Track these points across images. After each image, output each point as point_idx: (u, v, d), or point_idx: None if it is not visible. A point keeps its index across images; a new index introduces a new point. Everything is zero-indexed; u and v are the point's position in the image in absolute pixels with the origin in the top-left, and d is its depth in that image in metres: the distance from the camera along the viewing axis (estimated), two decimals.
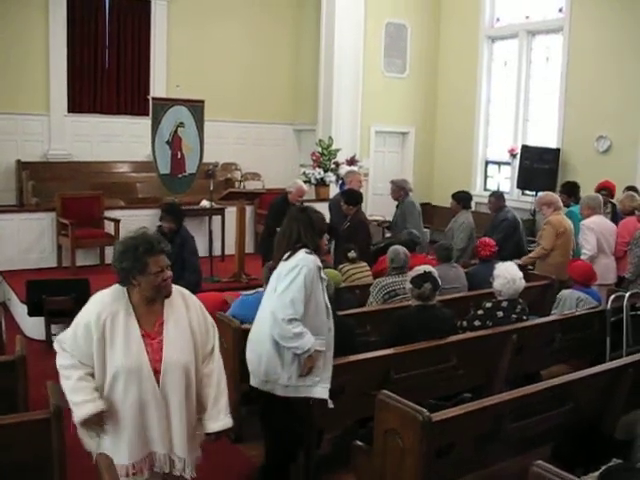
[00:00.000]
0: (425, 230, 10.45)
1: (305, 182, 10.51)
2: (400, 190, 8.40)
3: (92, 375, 3.11)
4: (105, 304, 3.15)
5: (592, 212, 7.24)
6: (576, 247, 7.56)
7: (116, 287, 3.20)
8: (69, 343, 3.19)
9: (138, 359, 3.08)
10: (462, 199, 8.46)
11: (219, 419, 3.26)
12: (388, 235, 10.12)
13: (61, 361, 3.19)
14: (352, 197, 7.85)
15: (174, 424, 3.15)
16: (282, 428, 4.09)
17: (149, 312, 3.18)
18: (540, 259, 7.41)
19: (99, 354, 3.09)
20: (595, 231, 7.05)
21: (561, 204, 7.65)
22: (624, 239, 7.25)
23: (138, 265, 3.06)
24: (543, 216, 7.67)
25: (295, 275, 3.83)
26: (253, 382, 4.05)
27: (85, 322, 3.13)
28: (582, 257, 6.94)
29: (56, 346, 3.27)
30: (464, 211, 8.41)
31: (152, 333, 3.16)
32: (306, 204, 8.25)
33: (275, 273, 4.01)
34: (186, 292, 3.34)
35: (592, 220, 7.16)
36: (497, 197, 8.48)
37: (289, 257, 3.93)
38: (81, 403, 3.04)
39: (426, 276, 4.90)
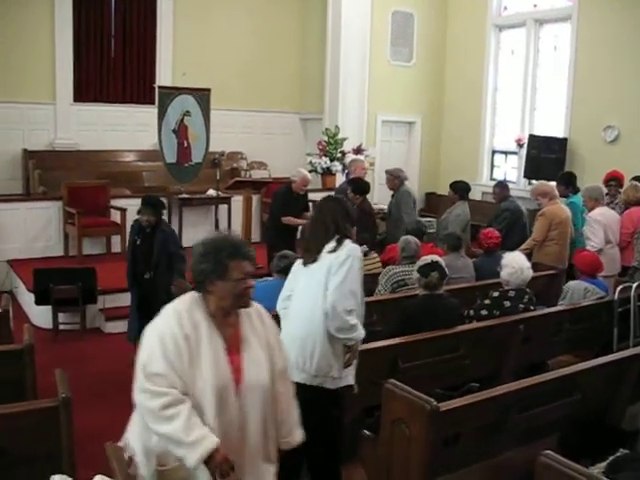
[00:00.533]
0: (431, 220, 10.42)
1: (311, 171, 10.51)
2: (395, 179, 8.28)
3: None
4: (183, 313, 2.77)
5: (596, 203, 7.20)
6: (575, 236, 7.52)
7: (191, 295, 2.86)
8: (161, 367, 2.66)
9: (225, 377, 2.74)
10: (460, 189, 8.26)
11: (292, 435, 3.04)
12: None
13: (156, 399, 2.63)
14: (359, 186, 7.82)
15: (250, 449, 2.83)
16: (331, 420, 3.98)
17: (225, 325, 2.83)
18: (536, 249, 7.36)
19: (188, 372, 2.69)
20: (602, 223, 7.02)
21: (557, 193, 7.58)
22: (628, 230, 7.22)
23: (219, 269, 2.74)
24: (539, 206, 7.60)
25: (349, 266, 3.76)
26: (298, 378, 3.74)
27: (170, 334, 2.70)
28: (588, 249, 6.91)
29: (141, 380, 2.68)
30: (461, 202, 8.20)
31: (232, 348, 2.81)
32: (309, 193, 8.39)
33: (317, 266, 3.84)
34: (258, 304, 3.00)
35: (598, 212, 7.12)
36: (501, 187, 8.39)
37: (336, 248, 3.82)
38: (198, 441, 2.60)
39: (433, 265, 4.89)
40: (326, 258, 3.80)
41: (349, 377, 3.95)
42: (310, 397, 3.70)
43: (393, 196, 8.38)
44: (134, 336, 6.18)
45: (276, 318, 3.96)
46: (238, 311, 2.87)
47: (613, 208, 7.73)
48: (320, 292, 3.78)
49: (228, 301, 2.78)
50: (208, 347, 2.72)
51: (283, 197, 7.91)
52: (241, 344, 2.84)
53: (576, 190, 8.02)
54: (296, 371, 3.75)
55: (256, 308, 2.98)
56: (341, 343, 3.84)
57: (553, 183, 8.12)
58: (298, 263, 4.06)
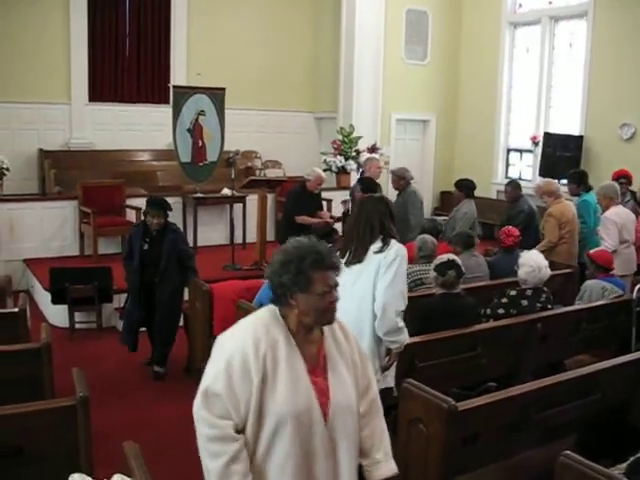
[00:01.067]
0: (446, 218, 10.35)
1: (326, 170, 10.49)
2: (400, 180, 8.16)
3: (239, 431, 2.44)
4: (260, 330, 2.49)
5: (611, 202, 7.13)
6: (588, 235, 7.45)
7: (269, 309, 2.60)
8: (221, 387, 2.43)
9: (308, 401, 2.46)
10: (465, 187, 8.18)
11: (386, 464, 2.69)
12: None
13: (207, 428, 2.43)
14: (368, 185, 7.79)
15: (343, 476, 2.56)
16: None
17: (308, 342, 2.55)
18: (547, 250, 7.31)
19: (258, 397, 2.41)
20: (617, 223, 6.95)
21: (561, 192, 7.54)
22: None
23: (301, 280, 2.46)
24: (545, 204, 7.55)
25: (398, 266, 3.78)
26: None
27: (241, 352, 2.43)
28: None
29: (199, 398, 2.50)
30: (467, 200, 8.12)
31: (315, 369, 2.53)
32: (321, 191, 8.38)
33: (362, 266, 3.84)
34: (339, 317, 2.72)
35: (614, 212, 7.04)
36: (514, 187, 8.27)
37: (382, 248, 3.82)
38: None
39: (450, 264, 4.87)
40: (373, 258, 3.79)
41: (389, 379, 3.97)
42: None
43: (399, 196, 8.25)
44: (131, 344, 6.32)
45: None
46: (321, 327, 2.59)
47: (625, 205, 7.71)
48: (368, 293, 3.77)
49: (311, 317, 2.50)
50: (287, 368, 2.45)
51: (297, 196, 7.90)
52: (326, 364, 2.55)
53: (588, 188, 7.94)
54: None
55: (339, 323, 2.70)
56: (383, 345, 3.83)
57: (564, 181, 8.06)
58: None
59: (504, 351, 5.01)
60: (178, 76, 12.91)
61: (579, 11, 11.58)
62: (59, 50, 12.00)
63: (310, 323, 2.52)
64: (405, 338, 3.88)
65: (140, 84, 13.03)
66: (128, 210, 9.70)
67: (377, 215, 3.91)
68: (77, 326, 7.43)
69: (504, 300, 5.30)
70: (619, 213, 7.07)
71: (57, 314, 7.58)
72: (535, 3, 12.45)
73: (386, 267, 3.75)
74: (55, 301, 7.42)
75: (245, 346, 2.43)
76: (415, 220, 7.87)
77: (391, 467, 2.69)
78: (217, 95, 9.87)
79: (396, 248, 3.84)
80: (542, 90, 12.30)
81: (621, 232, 6.92)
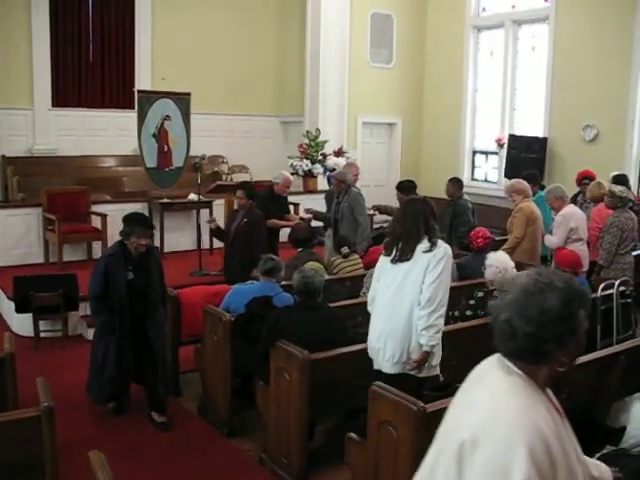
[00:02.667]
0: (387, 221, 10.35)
1: (293, 174, 10.47)
2: (341, 183, 8.04)
3: None
4: (531, 406, 1.86)
5: (563, 202, 7.23)
6: (545, 233, 7.56)
7: (515, 375, 1.92)
8: None
9: None
10: (406, 188, 8.10)
11: None
12: (377, 227, 10.10)
13: None
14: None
15: None
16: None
17: (547, 402, 1.97)
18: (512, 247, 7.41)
19: None
20: (572, 222, 7.04)
21: (530, 192, 7.65)
22: (598, 225, 7.30)
23: (576, 327, 1.87)
24: (512, 203, 7.66)
25: (444, 265, 4.01)
26: (393, 370, 4.10)
27: (539, 437, 1.78)
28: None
29: None
30: None
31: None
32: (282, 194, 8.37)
33: (411, 264, 4.04)
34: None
35: (569, 211, 7.15)
36: (454, 183, 8.41)
37: (431, 248, 4.03)
38: None
39: None
40: (422, 257, 4.02)
41: (437, 368, 4.21)
42: (405, 386, 3.87)
43: (340, 199, 8.05)
44: (103, 398, 5.43)
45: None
46: None
47: (587, 207, 7.88)
48: (418, 289, 4.00)
49: (561, 369, 1.93)
50: (561, 451, 1.84)
51: (265, 200, 7.90)
52: (565, 423, 2.01)
53: (542, 187, 8.23)
54: (396, 365, 4.07)
55: None
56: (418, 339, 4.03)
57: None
58: (383, 261, 4.22)
59: (473, 352, 5.02)
60: (143, 81, 12.81)
61: (541, 15, 11.73)
62: (21, 55, 11.83)
63: (555, 377, 1.95)
64: (438, 339, 4.05)
65: (104, 89, 12.89)
66: (93, 216, 9.58)
67: (422, 216, 4.13)
68: (42, 335, 7.32)
69: (472, 302, 5.34)
70: (573, 213, 7.17)
71: (22, 323, 7.46)
72: (498, 7, 12.59)
73: (435, 264, 3.98)
74: (19, 310, 7.29)
75: (536, 426, 1.79)
76: (364, 220, 7.95)
77: None
78: (182, 100, 9.80)
79: (444, 247, 4.09)
80: (506, 93, 12.44)
81: (577, 231, 7.00)
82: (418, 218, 4.12)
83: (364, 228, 7.84)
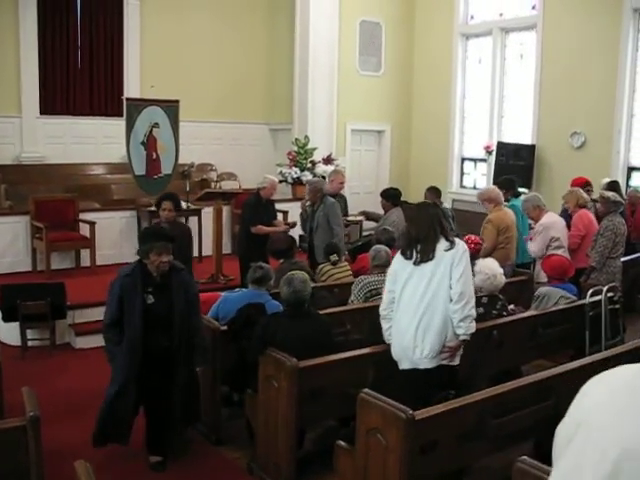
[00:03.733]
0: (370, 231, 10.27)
1: (282, 181, 10.48)
2: (317, 192, 7.88)
3: None
4: None
5: (541, 211, 7.24)
6: (519, 240, 7.57)
7: None
8: None
9: None
10: (391, 196, 8.13)
11: None
12: (365, 234, 10.09)
13: None
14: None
15: None
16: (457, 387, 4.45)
17: None
18: (485, 254, 7.39)
19: None
20: (552, 230, 7.06)
21: (502, 199, 7.66)
22: (580, 232, 7.34)
23: None
24: (486, 210, 7.68)
25: (466, 258, 4.34)
26: (432, 364, 4.30)
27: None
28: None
29: None
30: (395, 209, 8.07)
31: None
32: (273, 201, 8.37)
33: (434, 263, 4.28)
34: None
35: (549, 220, 7.15)
36: (432, 192, 8.38)
37: (451, 246, 4.32)
38: None
39: None
40: (445, 255, 4.29)
41: (456, 358, 4.43)
42: (443, 375, 4.32)
43: (315, 208, 7.92)
44: (125, 438, 4.65)
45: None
46: None
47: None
48: (445, 284, 4.27)
49: None
50: None
51: (252, 206, 7.90)
52: None
53: (516, 194, 8.25)
54: (434, 359, 4.28)
55: None
56: (455, 330, 4.30)
57: (520, 189, 8.19)
58: (401, 264, 4.41)
59: (461, 359, 5.04)
60: (131, 88, 12.78)
61: (529, 23, 11.80)
62: (8, 62, 11.78)
63: None
64: (474, 327, 4.34)
65: (93, 96, 12.86)
66: (82, 224, 9.53)
67: (436, 218, 4.43)
68: (30, 343, 7.26)
69: None
70: (554, 221, 7.19)
71: (9, 332, 7.39)
72: (486, 15, 12.65)
73: (458, 260, 4.28)
74: (6, 318, 7.25)
75: None
76: (340, 230, 7.84)
77: None
78: (171, 107, 9.79)
79: (462, 244, 4.45)
80: (495, 100, 12.50)
81: (558, 239, 7.01)
82: (433, 220, 4.39)
83: (340, 238, 7.73)
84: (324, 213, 7.84)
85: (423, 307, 4.27)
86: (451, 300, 4.26)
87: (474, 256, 6.55)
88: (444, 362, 4.33)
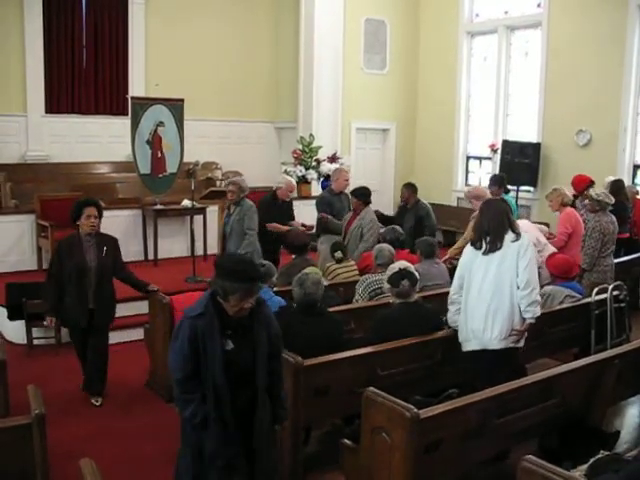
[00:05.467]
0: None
1: None
2: (241, 192, 7.36)
3: None
4: None
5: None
6: None
7: None
8: None
9: None
10: (363, 195, 7.88)
11: None
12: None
13: None
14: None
15: None
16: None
17: None
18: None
19: None
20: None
21: (489, 196, 7.68)
22: (567, 230, 7.39)
23: None
24: (474, 208, 7.70)
25: (531, 251, 4.72)
26: (500, 345, 4.64)
27: None
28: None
29: None
30: (367, 208, 7.87)
31: None
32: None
33: (502, 253, 4.64)
34: None
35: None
36: (408, 188, 8.46)
37: (517, 238, 4.67)
38: None
39: (402, 273, 4.88)
40: (512, 246, 4.65)
41: (522, 341, 4.77)
42: (510, 356, 4.70)
43: (231, 211, 7.45)
44: None
45: None
46: None
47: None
48: (512, 272, 4.62)
49: None
50: None
51: (267, 204, 7.89)
52: None
53: (507, 190, 8.40)
54: (503, 341, 4.63)
55: None
56: (522, 314, 4.67)
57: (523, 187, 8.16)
58: (471, 254, 4.77)
59: (466, 357, 5.03)
60: (136, 87, 12.80)
61: (534, 21, 11.78)
62: (14, 61, 11.81)
63: None
64: (539, 311, 4.70)
65: (98, 95, 12.89)
66: None
67: (504, 212, 4.80)
68: (35, 342, 7.28)
69: None
70: (525, 230, 7.18)
71: (14, 330, 7.42)
72: (491, 13, 12.63)
73: (524, 251, 4.65)
74: (12, 317, 7.26)
75: None
76: (254, 238, 7.33)
77: None
78: (176, 106, 9.80)
79: (527, 237, 4.85)
80: (500, 98, 12.48)
81: (539, 242, 7.00)
82: (502, 214, 4.77)
83: (254, 246, 7.26)
84: (240, 217, 7.34)
85: (491, 293, 4.64)
86: (518, 287, 4.61)
87: None
88: (511, 344, 4.66)
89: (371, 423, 3.68)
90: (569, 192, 7.81)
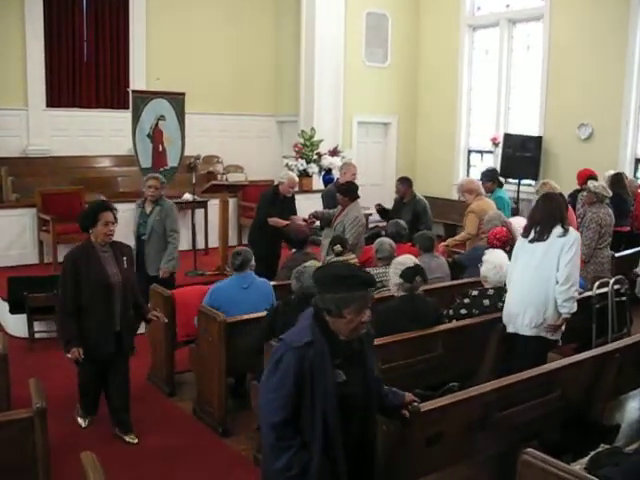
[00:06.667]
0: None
1: None
2: (161, 189, 6.97)
3: None
4: None
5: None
6: None
7: None
8: None
9: None
10: (348, 191, 7.70)
11: None
12: (372, 226, 10.09)
13: None
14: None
15: None
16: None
17: None
18: (469, 244, 7.52)
19: None
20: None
21: (482, 190, 7.74)
22: None
23: None
24: (466, 202, 7.74)
25: (576, 248, 4.79)
26: (531, 333, 4.82)
27: None
28: None
29: None
30: (353, 204, 7.68)
31: None
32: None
33: (547, 244, 4.78)
34: None
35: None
36: (403, 182, 8.39)
37: (565, 233, 4.77)
38: None
39: (416, 269, 4.87)
40: (557, 240, 4.77)
41: (558, 334, 4.94)
42: (539, 346, 4.84)
43: (149, 211, 7.08)
44: None
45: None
46: None
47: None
48: (554, 265, 4.75)
49: None
50: None
51: (269, 199, 7.88)
52: None
53: (500, 185, 8.40)
54: (533, 329, 4.80)
55: None
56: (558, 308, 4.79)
57: (526, 181, 8.15)
58: (520, 242, 5.01)
59: (467, 351, 5.04)
60: (137, 81, 12.78)
61: (536, 14, 11.75)
62: (15, 55, 11.79)
63: None
64: (575, 307, 4.81)
65: (99, 89, 12.88)
66: None
67: (559, 207, 4.91)
68: (37, 336, 7.29)
69: (466, 300, 5.32)
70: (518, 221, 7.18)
71: (16, 324, 7.42)
72: (493, 6, 12.61)
73: (569, 246, 4.75)
74: (13, 311, 7.28)
75: None
76: (177, 241, 7.10)
77: None
78: (177, 100, 9.77)
79: (575, 234, 4.91)
80: (501, 92, 12.46)
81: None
82: (556, 208, 4.88)
83: (176, 247, 7.01)
84: (160, 218, 6.94)
85: (530, 283, 4.80)
86: (557, 282, 4.72)
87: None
88: (544, 335, 4.83)
89: None
90: (558, 186, 7.72)
